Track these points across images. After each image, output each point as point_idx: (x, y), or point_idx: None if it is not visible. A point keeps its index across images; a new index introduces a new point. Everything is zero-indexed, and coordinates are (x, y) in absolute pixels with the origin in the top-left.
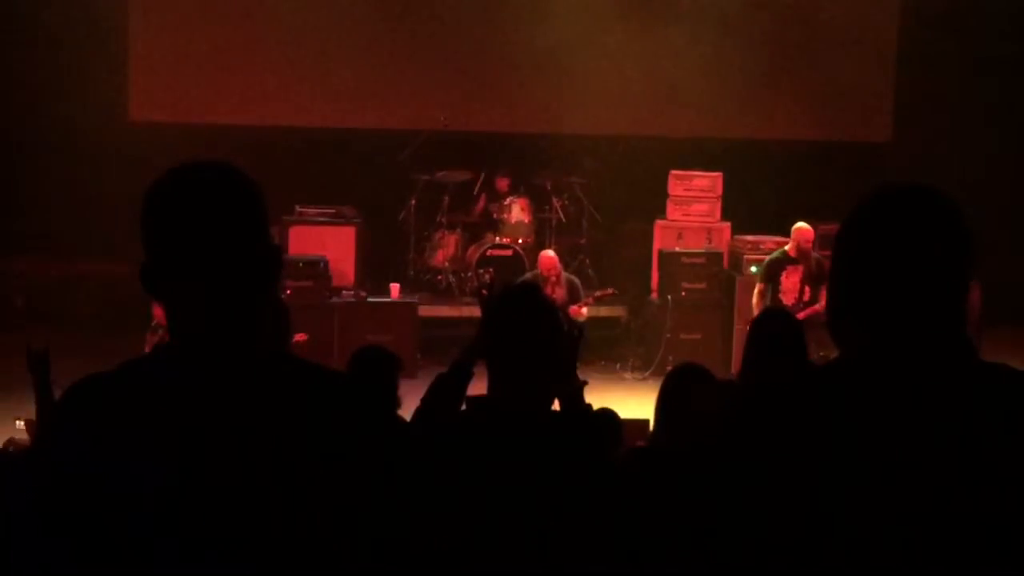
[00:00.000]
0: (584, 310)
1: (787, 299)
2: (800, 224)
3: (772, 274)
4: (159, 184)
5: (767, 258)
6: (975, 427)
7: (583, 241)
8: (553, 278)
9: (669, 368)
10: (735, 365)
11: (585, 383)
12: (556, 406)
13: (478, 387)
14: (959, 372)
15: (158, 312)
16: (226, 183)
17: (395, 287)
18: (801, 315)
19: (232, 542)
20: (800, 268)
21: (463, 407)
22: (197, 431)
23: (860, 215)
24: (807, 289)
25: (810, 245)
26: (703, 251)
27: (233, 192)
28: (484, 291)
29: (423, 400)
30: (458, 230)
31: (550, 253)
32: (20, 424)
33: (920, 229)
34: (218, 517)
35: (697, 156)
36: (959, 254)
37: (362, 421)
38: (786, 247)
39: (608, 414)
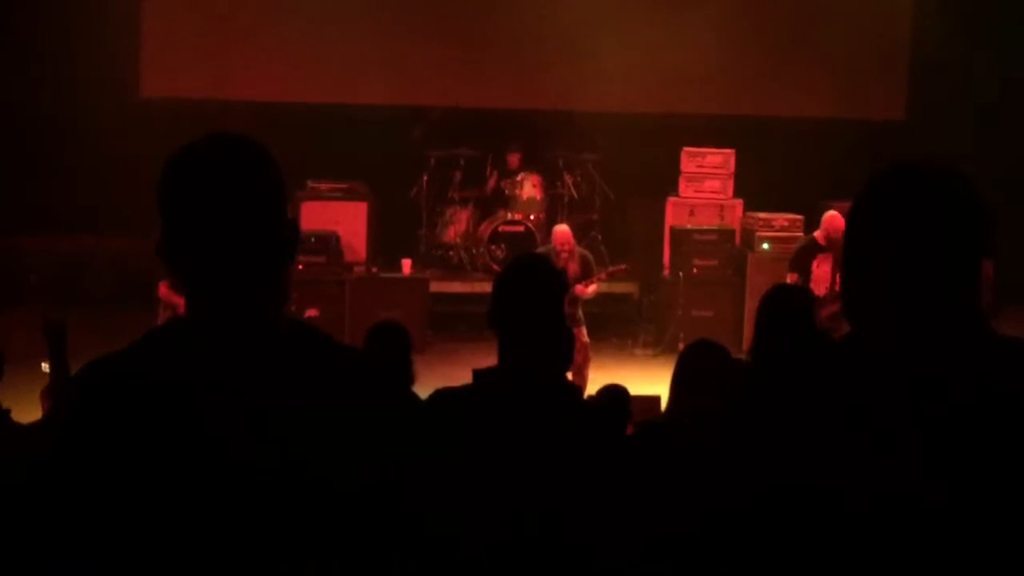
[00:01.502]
0: (590, 289)
1: (819, 289)
2: (831, 212)
3: (803, 263)
4: (177, 158)
5: (796, 246)
6: (989, 401)
7: (595, 217)
8: (566, 253)
9: (681, 345)
10: (747, 342)
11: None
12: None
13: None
14: (972, 347)
15: (163, 291)
16: (243, 157)
17: (407, 263)
18: (825, 312)
19: (245, 515)
20: (830, 256)
21: (472, 379)
22: (212, 406)
23: (872, 192)
24: (838, 278)
25: (840, 235)
26: (715, 228)
27: (250, 166)
28: (497, 267)
29: None
30: (470, 206)
31: (564, 228)
32: (45, 367)
33: (931, 205)
34: (231, 491)
35: (710, 133)
36: (971, 230)
37: (377, 396)
38: (814, 234)
39: (618, 389)
